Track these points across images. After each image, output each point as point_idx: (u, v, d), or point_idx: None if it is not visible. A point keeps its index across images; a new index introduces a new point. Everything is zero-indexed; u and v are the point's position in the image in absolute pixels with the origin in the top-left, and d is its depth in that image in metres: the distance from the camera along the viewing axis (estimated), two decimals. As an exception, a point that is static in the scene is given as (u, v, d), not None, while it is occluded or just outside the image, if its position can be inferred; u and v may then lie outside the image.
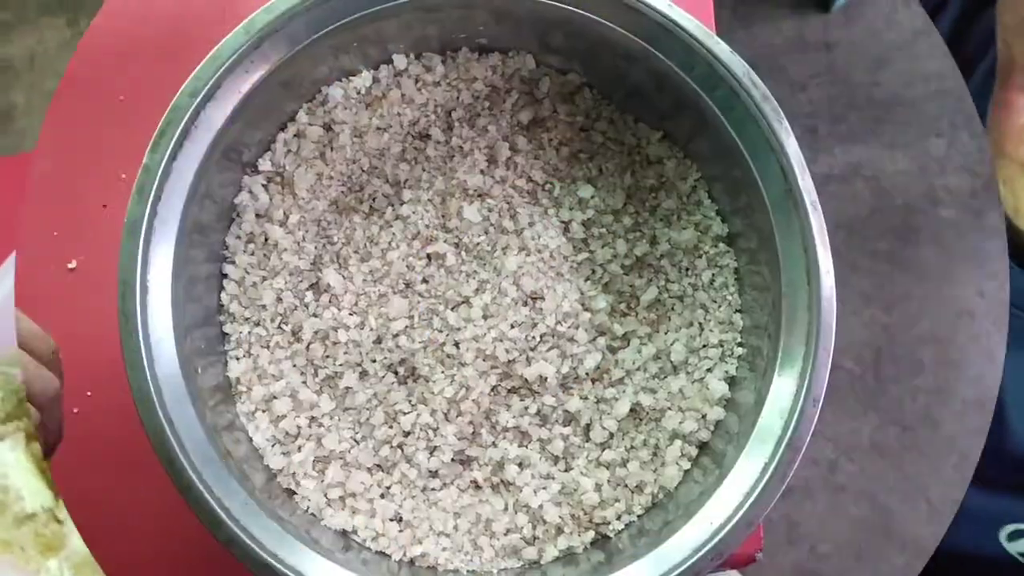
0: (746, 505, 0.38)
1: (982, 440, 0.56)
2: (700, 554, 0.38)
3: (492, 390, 0.44)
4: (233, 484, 0.38)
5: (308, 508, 0.42)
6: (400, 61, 0.45)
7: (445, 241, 0.45)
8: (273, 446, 0.42)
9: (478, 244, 0.45)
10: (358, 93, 0.45)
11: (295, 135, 0.44)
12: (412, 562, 0.42)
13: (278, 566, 0.37)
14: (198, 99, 0.38)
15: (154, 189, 0.37)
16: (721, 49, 0.39)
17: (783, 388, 0.39)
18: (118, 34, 0.49)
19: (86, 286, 0.47)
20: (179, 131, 0.38)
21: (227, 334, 0.43)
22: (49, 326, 0.47)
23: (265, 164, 0.44)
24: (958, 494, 0.56)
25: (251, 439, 0.42)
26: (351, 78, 0.45)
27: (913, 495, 0.56)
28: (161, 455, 0.36)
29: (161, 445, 0.36)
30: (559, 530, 0.43)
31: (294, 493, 0.42)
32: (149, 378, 0.37)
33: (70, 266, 0.47)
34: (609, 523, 0.43)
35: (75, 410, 0.47)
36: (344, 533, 0.42)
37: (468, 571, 0.42)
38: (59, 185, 0.48)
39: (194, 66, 0.38)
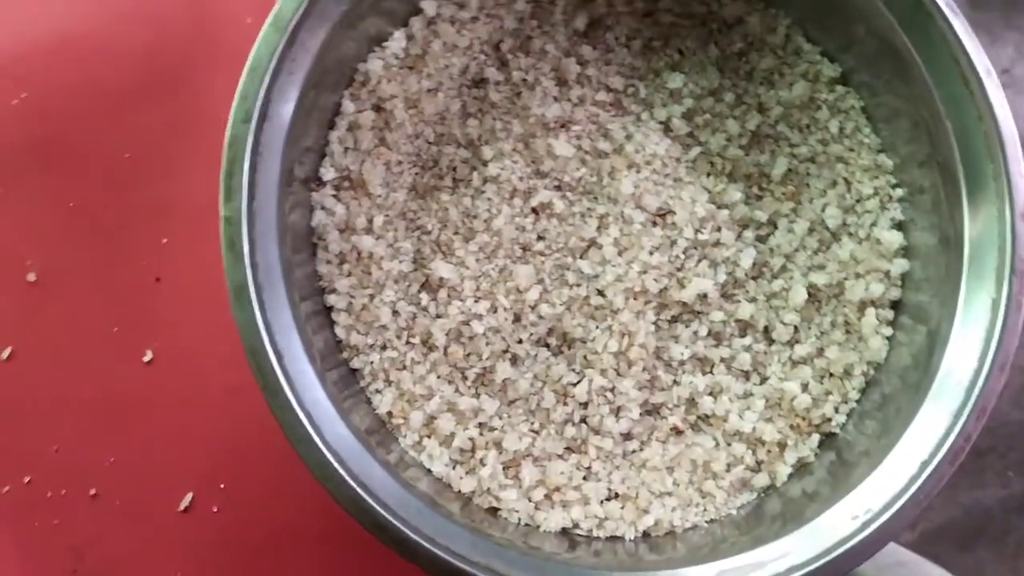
0: (993, 341, 0.34)
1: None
2: (962, 420, 0.34)
3: (654, 326, 0.39)
4: (440, 521, 0.34)
5: (520, 520, 0.37)
6: (429, 7, 0.39)
7: (546, 188, 0.39)
8: (454, 468, 0.38)
9: (580, 178, 0.40)
10: (397, 59, 0.39)
11: (348, 129, 0.39)
12: (646, 535, 0.38)
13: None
14: (253, 122, 0.32)
15: (245, 242, 0.32)
16: None
17: (979, 212, 0.35)
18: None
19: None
20: (247, 166, 0.32)
21: (356, 369, 0.38)
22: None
23: (328, 172, 0.38)
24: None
25: (429, 471, 0.37)
26: (384, 45, 0.39)
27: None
28: (373, 529, 0.32)
29: (369, 516, 0.32)
30: (782, 446, 0.39)
31: (497, 510, 0.37)
32: (324, 448, 0.32)
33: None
34: (831, 419, 0.39)
35: (214, 509, 0.41)
36: (564, 531, 0.38)
37: (707, 522, 0.38)
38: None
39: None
